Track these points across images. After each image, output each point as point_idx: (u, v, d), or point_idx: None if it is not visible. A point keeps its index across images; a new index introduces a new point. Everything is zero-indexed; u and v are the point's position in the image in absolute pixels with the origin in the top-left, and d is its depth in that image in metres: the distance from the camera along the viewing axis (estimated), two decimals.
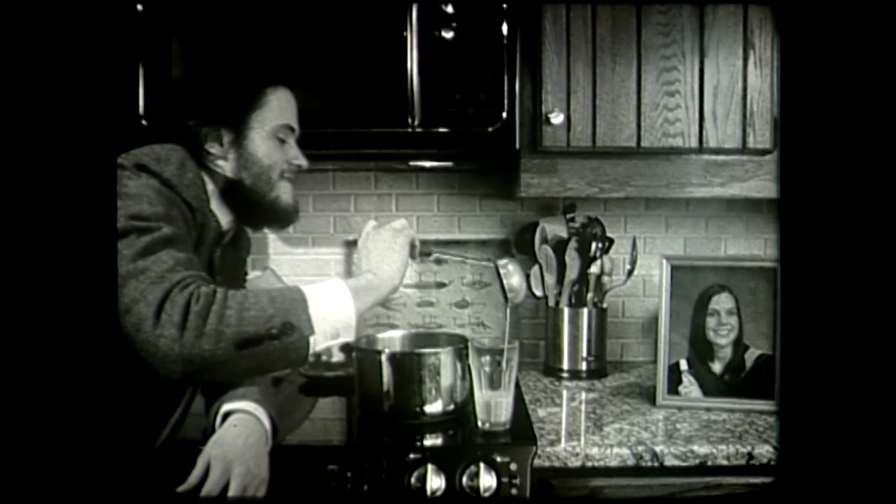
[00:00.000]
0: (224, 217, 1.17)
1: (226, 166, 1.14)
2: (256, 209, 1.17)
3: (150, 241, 0.96)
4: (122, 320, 0.94)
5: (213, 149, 1.13)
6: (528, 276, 1.72)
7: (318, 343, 1.01)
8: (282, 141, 1.17)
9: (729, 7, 1.43)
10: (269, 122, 1.15)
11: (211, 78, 1.17)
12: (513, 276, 1.27)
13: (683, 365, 1.43)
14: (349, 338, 1.04)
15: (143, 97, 1.38)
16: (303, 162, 1.20)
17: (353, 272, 1.14)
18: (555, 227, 1.72)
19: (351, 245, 1.82)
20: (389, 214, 1.83)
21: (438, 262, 1.24)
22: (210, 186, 1.14)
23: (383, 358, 1.29)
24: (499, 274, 1.27)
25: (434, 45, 1.38)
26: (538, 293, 1.72)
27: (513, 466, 1.16)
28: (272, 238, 1.83)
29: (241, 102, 1.14)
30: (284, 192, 1.18)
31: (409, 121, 1.39)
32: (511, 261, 1.29)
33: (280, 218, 1.21)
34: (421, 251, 1.19)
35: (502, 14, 1.39)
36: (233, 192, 1.15)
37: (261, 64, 1.21)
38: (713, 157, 1.48)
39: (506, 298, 1.27)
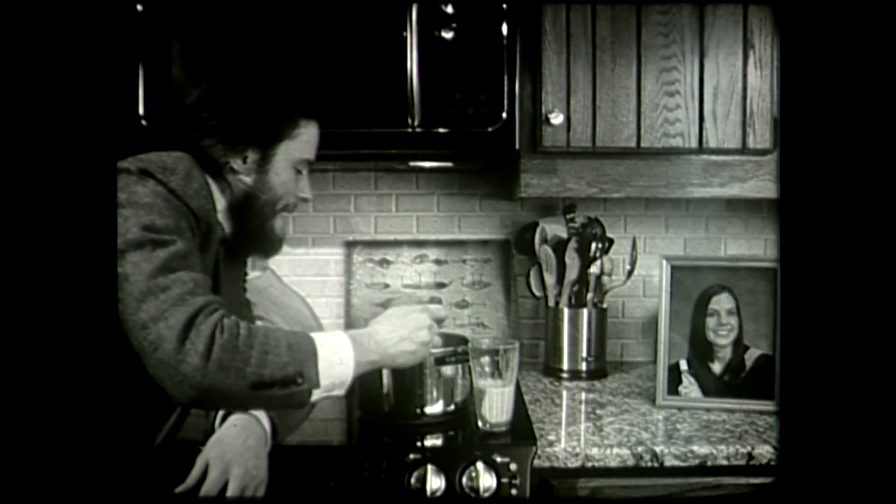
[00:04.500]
0: (229, 227, 1.16)
1: (244, 181, 1.14)
2: (251, 232, 1.17)
3: (168, 257, 0.97)
4: (136, 335, 0.94)
5: (236, 164, 1.13)
6: (527, 280, 1.72)
7: (315, 395, 1.04)
8: (298, 172, 1.18)
9: (729, 7, 1.43)
10: (294, 155, 1.15)
11: (247, 100, 1.15)
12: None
13: (683, 365, 1.43)
14: (341, 393, 1.07)
15: (143, 97, 1.38)
16: (308, 196, 1.21)
17: (351, 323, 1.17)
18: (555, 228, 1.72)
19: (351, 246, 1.82)
20: (390, 214, 1.83)
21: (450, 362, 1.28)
22: (219, 196, 1.13)
23: None
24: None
25: (434, 46, 1.38)
26: (538, 293, 1.72)
27: (512, 467, 1.16)
28: None
29: (276, 130, 1.14)
30: (278, 224, 1.19)
31: (409, 121, 1.39)
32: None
33: (266, 247, 1.21)
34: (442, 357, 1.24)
35: (502, 14, 1.39)
36: (242, 207, 1.15)
37: (298, 94, 1.20)
38: (713, 158, 1.48)
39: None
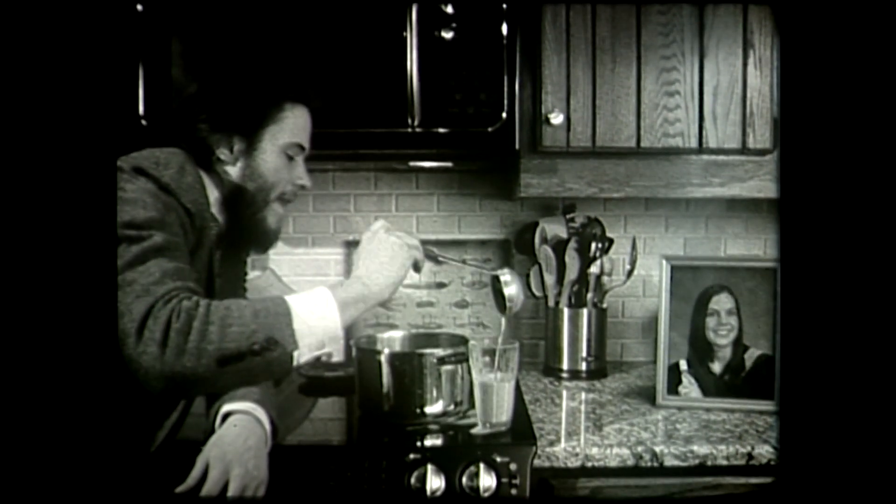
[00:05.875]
0: (223, 220, 1.16)
1: (232, 172, 1.14)
2: (244, 224, 1.16)
3: (140, 251, 0.95)
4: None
5: (223, 154, 1.13)
6: (527, 280, 1.72)
7: (301, 356, 1.00)
8: (290, 158, 1.16)
9: (729, 7, 1.43)
10: (281, 139, 1.14)
11: (233, 86, 1.16)
12: (511, 285, 1.24)
13: (683, 365, 1.43)
14: (335, 348, 1.03)
15: (143, 97, 1.38)
16: (306, 182, 1.19)
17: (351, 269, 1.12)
18: (554, 227, 1.72)
19: (351, 245, 1.82)
20: (389, 214, 1.83)
21: (438, 262, 1.23)
22: (213, 191, 1.13)
23: (383, 358, 1.29)
24: (497, 284, 1.25)
25: (434, 46, 1.38)
26: (538, 293, 1.72)
27: (512, 466, 1.16)
28: None
29: (258, 115, 1.13)
30: (272, 215, 1.17)
31: (409, 121, 1.39)
32: (509, 270, 1.27)
33: (259, 240, 1.20)
34: (426, 254, 1.17)
35: (502, 14, 1.39)
36: (234, 199, 1.14)
37: (282, 76, 1.20)
38: (713, 158, 1.48)
39: (503, 308, 1.25)
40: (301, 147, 1.18)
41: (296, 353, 0.99)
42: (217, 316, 0.95)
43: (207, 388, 1.04)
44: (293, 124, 1.16)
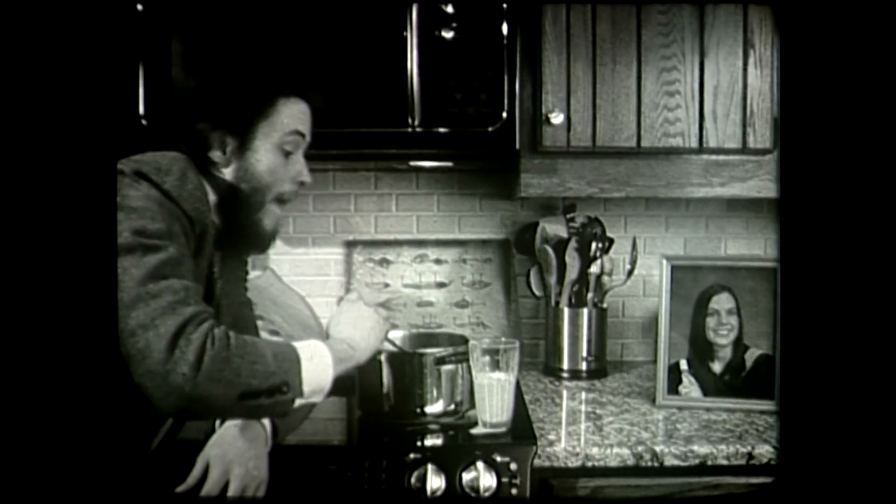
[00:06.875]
0: (220, 222, 1.15)
1: (226, 174, 1.10)
2: (239, 225, 1.14)
3: (159, 263, 0.94)
4: (125, 342, 0.91)
5: (216, 156, 1.09)
6: (528, 279, 1.72)
7: (297, 402, 1.02)
8: (287, 154, 1.12)
9: (729, 7, 1.43)
10: (276, 133, 1.10)
11: (221, 82, 1.13)
12: None
13: (683, 365, 1.43)
14: (318, 400, 1.06)
15: (143, 97, 1.38)
16: (306, 178, 1.15)
17: (329, 330, 1.19)
18: (555, 227, 1.72)
19: (352, 245, 1.82)
20: (389, 214, 1.83)
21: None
22: (211, 195, 1.11)
23: (383, 358, 1.29)
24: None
25: (434, 45, 1.38)
26: (538, 293, 1.72)
27: (513, 466, 1.16)
28: None
29: (249, 111, 1.09)
30: (269, 217, 1.14)
31: (410, 121, 1.39)
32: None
33: (255, 242, 1.17)
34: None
35: (502, 14, 1.39)
36: (229, 201, 1.11)
37: (274, 72, 1.17)
38: (713, 157, 1.48)
39: None
40: (299, 134, 1.13)
41: (298, 399, 1.02)
42: (245, 350, 0.96)
43: (217, 416, 1.06)
44: (288, 115, 1.11)
